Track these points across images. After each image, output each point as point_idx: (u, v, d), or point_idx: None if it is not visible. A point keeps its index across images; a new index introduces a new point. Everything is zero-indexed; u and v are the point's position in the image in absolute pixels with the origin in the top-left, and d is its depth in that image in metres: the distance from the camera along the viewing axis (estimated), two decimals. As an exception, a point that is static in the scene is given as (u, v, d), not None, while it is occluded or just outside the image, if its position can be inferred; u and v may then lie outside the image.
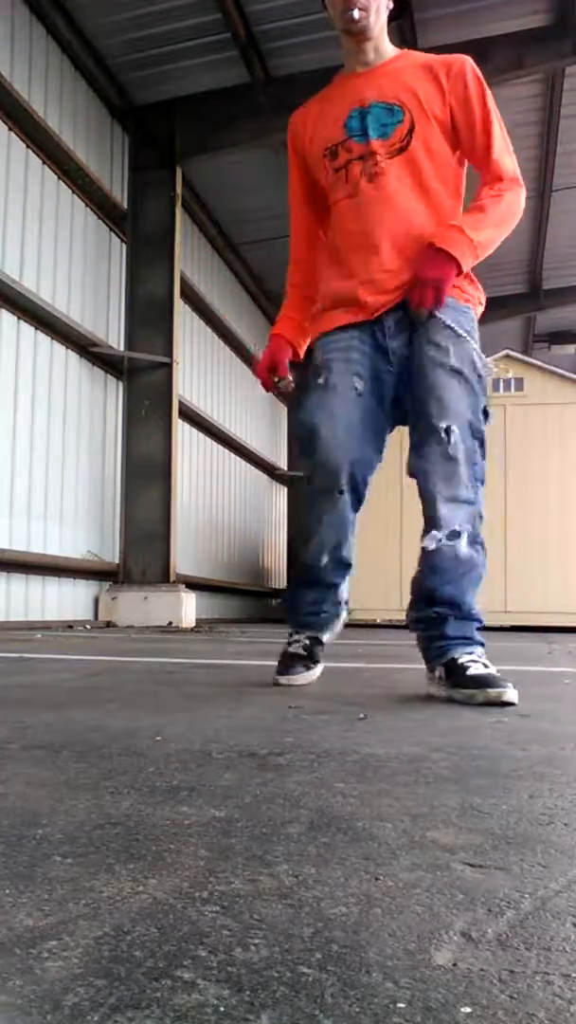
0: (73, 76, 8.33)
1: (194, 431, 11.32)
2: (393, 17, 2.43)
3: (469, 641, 2.20)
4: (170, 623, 8.45)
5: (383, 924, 0.65)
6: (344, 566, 2.47)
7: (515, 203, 2.30)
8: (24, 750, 1.36)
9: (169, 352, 9.02)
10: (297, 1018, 0.50)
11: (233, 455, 13.12)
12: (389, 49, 2.43)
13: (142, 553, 8.84)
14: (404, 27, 8.00)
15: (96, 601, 8.70)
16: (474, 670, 2.11)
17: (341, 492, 2.35)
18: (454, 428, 2.21)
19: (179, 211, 9.28)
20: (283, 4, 7.91)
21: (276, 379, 2.50)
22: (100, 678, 2.75)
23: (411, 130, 2.31)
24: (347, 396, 2.32)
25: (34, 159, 7.70)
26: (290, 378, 2.49)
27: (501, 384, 11.14)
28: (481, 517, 2.26)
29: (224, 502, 12.78)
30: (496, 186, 2.27)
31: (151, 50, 8.42)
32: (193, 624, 8.87)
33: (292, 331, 2.54)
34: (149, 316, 9.05)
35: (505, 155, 2.31)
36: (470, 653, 2.16)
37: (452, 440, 2.20)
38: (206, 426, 11.68)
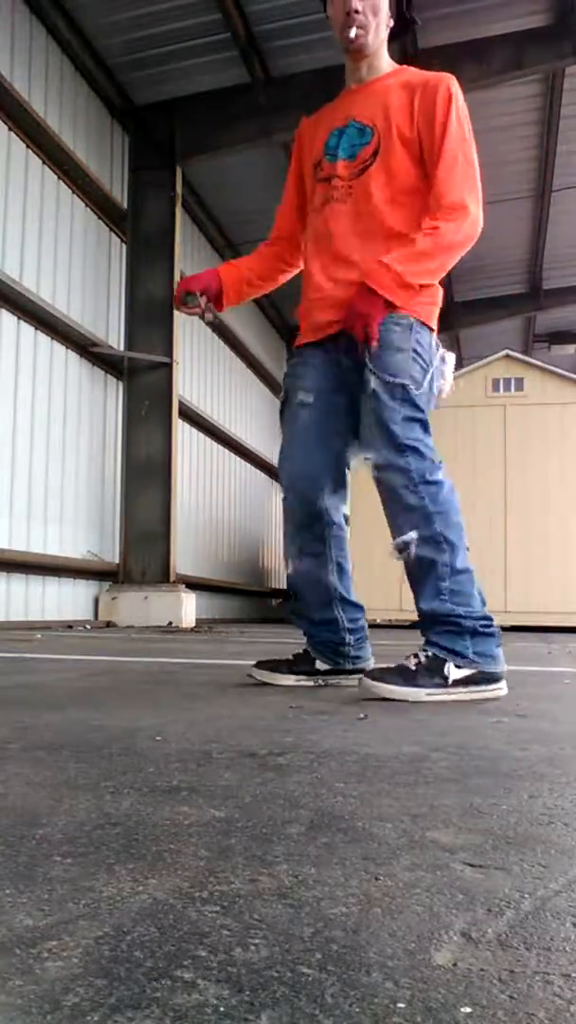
0: (73, 76, 8.33)
1: (194, 431, 11.32)
2: (394, 35, 2.44)
3: (430, 644, 2.21)
4: (170, 623, 8.45)
5: (383, 924, 0.65)
6: (316, 591, 2.47)
7: (453, 233, 2.23)
8: (24, 750, 1.36)
9: (169, 352, 9.02)
10: (297, 1018, 0.50)
11: (233, 455, 13.12)
12: (384, 65, 2.44)
13: (142, 553, 8.84)
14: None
15: (96, 601, 8.70)
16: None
17: (285, 497, 2.50)
18: (373, 459, 2.29)
19: (179, 211, 9.28)
20: (283, 4, 7.91)
21: (184, 293, 2.48)
22: (100, 678, 2.75)
23: (376, 151, 2.32)
24: (296, 411, 2.43)
25: (34, 159, 7.70)
26: (201, 301, 2.47)
27: (501, 384, 11.14)
28: (432, 515, 2.23)
29: (224, 502, 12.78)
30: (436, 215, 2.24)
31: (151, 50, 8.42)
32: (193, 624, 8.87)
33: (226, 273, 2.55)
34: (149, 316, 9.05)
35: (451, 179, 2.25)
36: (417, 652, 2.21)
37: (374, 474, 2.30)
38: (206, 426, 11.68)
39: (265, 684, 2.44)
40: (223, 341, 12.51)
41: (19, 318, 7.42)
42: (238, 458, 13.37)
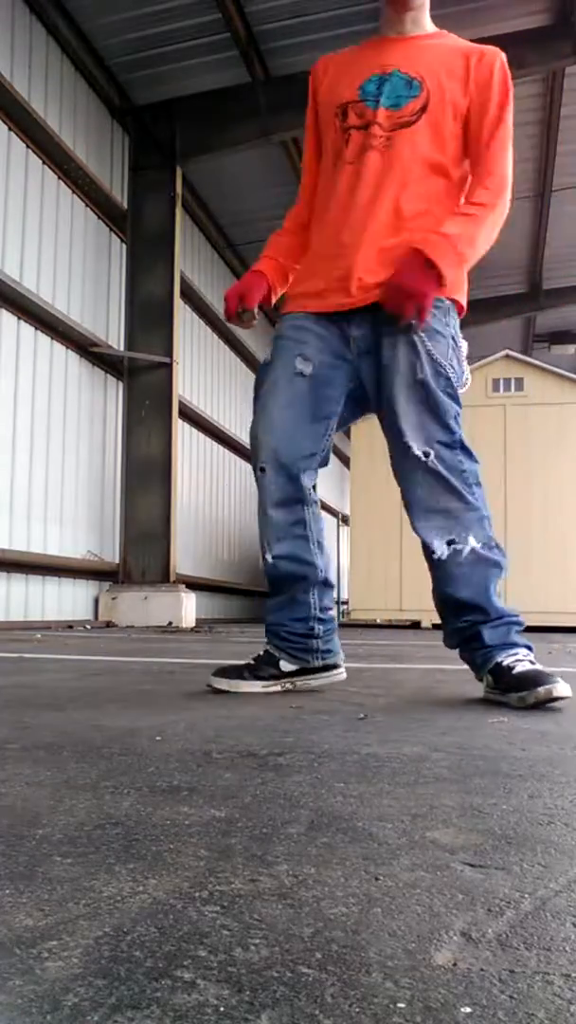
0: (73, 76, 8.33)
1: (194, 431, 11.32)
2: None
3: (511, 645, 2.12)
4: (170, 623, 8.45)
5: (383, 924, 0.65)
6: (300, 575, 2.26)
7: (502, 211, 2.18)
8: (24, 750, 1.36)
9: (169, 352, 9.02)
10: (297, 1018, 0.50)
11: (233, 455, 13.12)
12: (428, 25, 2.33)
13: (142, 553, 8.84)
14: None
15: (96, 601, 8.70)
16: (520, 668, 2.03)
17: (262, 470, 2.23)
18: (430, 451, 2.14)
19: (179, 211, 9.28)
20: (283, 4, 7.91)
21: (241, 310, 2.31)
22: (100, 678, 2.75)
23: (424, 107, 2.17)
24: (286, 375, 2.21)
25: (34, 159, 7.70)
26: (255, 313, 2.33)
27: (501, 384, 11.13)
28: (485, 519, 2.19)
29: (224, 502, 12.78)
30: (487, 185, 2.13)
31: (151, 50, 8.42)
32: (193, 624, 8.87)
33: (273, 272, 2.37)
34: (149, 316, 9.05)
35: (502, 159, 2.17)
36: (514, 655, 2.08)
37: (430, 463, 2.14)
38: (206, 426, 11.69)
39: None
40: (223, 341, 12.51)
41: (19, 318, 7.42)
42: (238, 458, 13.37)
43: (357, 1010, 0.51)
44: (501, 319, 14.62)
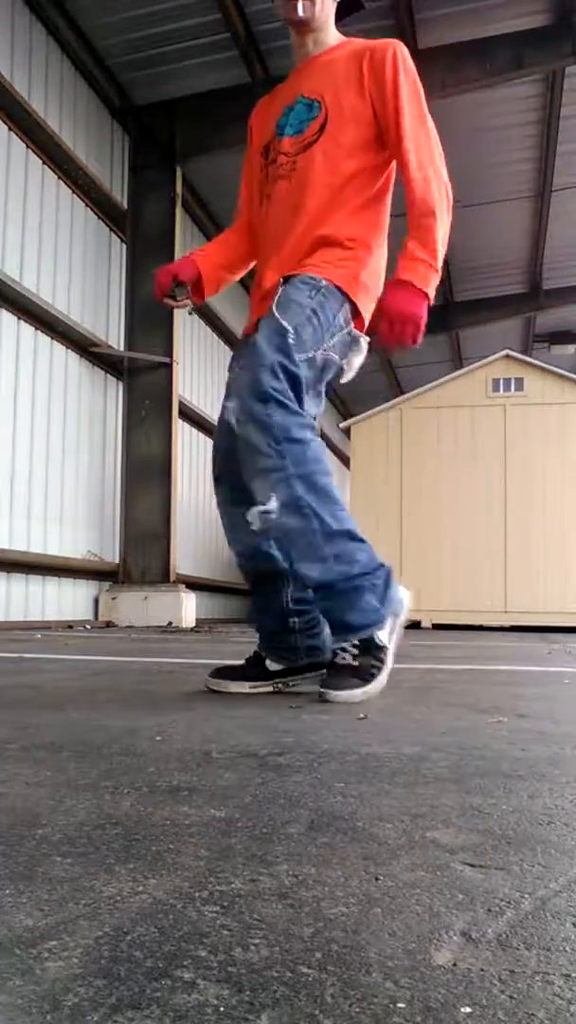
0: (73, 76, 8.33)
1: (194, 431, 11.32)
2: (341, 14, 2.34)
3: (345, 628, 2.08)
4: (170, 623, 8.45)
5: (383, 924, 0.65)
6: (263, 571, 2.24)
7: (447, 198, 2.15)
8: (24, 750, 1.36)
9: (169, 352, 9.02)
10: (297, 1018, 0.50)
11: (233, 455, 13.11)
12: (331, 38, 2.33)
13: (142, 553, 8.84)
14: (404, 27, 8.00)
15: (96, 601, 8.70)
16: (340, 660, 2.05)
17: (217, 479, 2.27)
18: (228, 405, 2.10)
19: (179, 211, 9.28)
20: (283, 4, 7.91)
21: (176, 284, 2.34)
22: (100, 678, 2.75)
23: (323, 125, 2.21)
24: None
25: (34, 159, 7.70)
26: (188, 291, 2.36)
27: (501, 384, 11.14)
28: (293, 479, 2.02)
29: (224, 502, 12.76)
30: (424, 192, 2.12)
31: (151, 50, 8.42)
32: (193, 624, 8.87)
33: (205, 263, 2.40)
34: (149, 316, 9.05)
35: (424, 147, 2.15)
36: (343, 645, 2.08)
37: (230, 420, 2.08)
38: (206, 426, 11.68)
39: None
40: (223, 341, 12.51)
41: (19, 318, 7.42)
42: (238, 458, 13.36)
43: (357, 1010, 0.51)
44: (501, 319, 14.63)
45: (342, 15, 2.36)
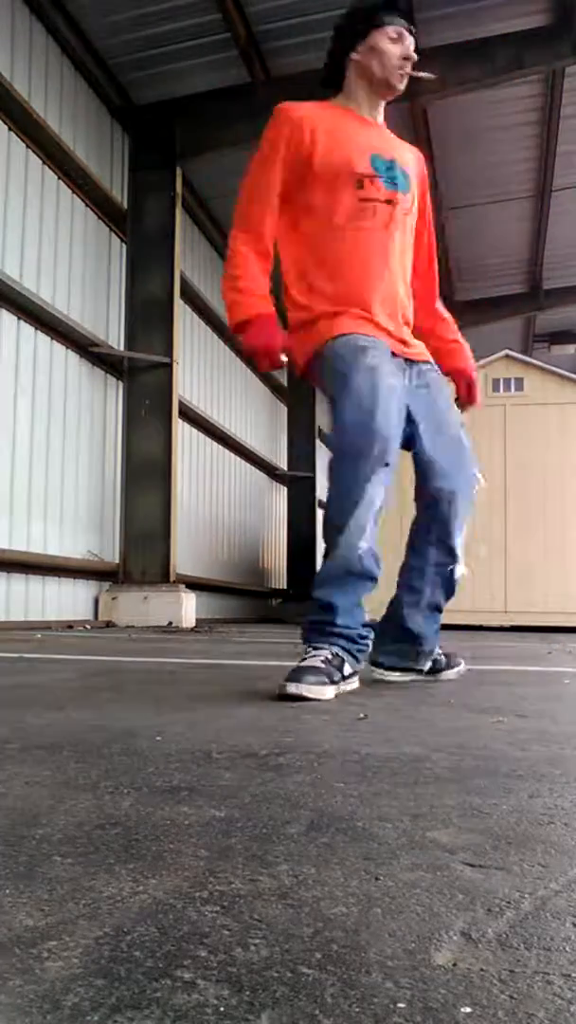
0: (73, 76, 8.33)
1: (194, 431, 11.32)
2: (328, 84, 2.60)
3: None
4: (170, 623, 8.45)
5: (383, 924, 0.65)
6: (371, 575, 2.36)
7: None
8: (24, 750, 1.36)
9: (169, 352, 9.02)
10: (297, 1018, 0.50)
11: (233, 455, 13.12)
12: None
13: (142, 553, 8.84)
14: (404, 27, 8.00)
15: (96, 601, 8.70)
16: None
17: (387, 464, 2.28)
18: (472, 477, 2.62)
19: (179, 211, 9.28)
20: (283, 4, 7.92)
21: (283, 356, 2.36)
22: (100, 678, 2.75)
23: (413, 200, 2.56)
24: (393, 387, 2.35)
25: (34, 159, 7.70)
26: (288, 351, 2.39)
27: (501, 384, 11.13)
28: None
29: (224, 502, 12.78)
30: (442, 309, 2.82)
31: (151, 50, 8.42)
32: (193, 624, 8.87)
33: (273, 308, 2.38)
34: (149, 316, 9.05)
35: (435, 256, 2.79)
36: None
37: (467, 494, 2.62)
38: (206, 426, 11.69)
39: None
40: (223, 341, 12.51)
41: (19, 318, 7.42)
42: (238, 458, 13.37)
43: (357, 1010, 0.51)
44: (501, 319, 14.63)
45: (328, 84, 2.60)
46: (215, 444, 12.29)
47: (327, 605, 2.30)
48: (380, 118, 2.57)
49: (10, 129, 7.29)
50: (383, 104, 2.55)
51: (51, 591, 7.88)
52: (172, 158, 9.14)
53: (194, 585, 9.62)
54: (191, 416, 10.87)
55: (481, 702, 2.12)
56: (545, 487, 10.73)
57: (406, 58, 2.46)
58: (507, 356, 11.29)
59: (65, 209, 8.24)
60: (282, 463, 15.62)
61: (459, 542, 2.51)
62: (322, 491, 15.60)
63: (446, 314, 2.79)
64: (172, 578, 8.81)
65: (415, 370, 2.49)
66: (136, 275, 9.17)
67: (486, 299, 14.19)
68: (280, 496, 16.05)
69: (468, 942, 0.62)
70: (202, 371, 11.63)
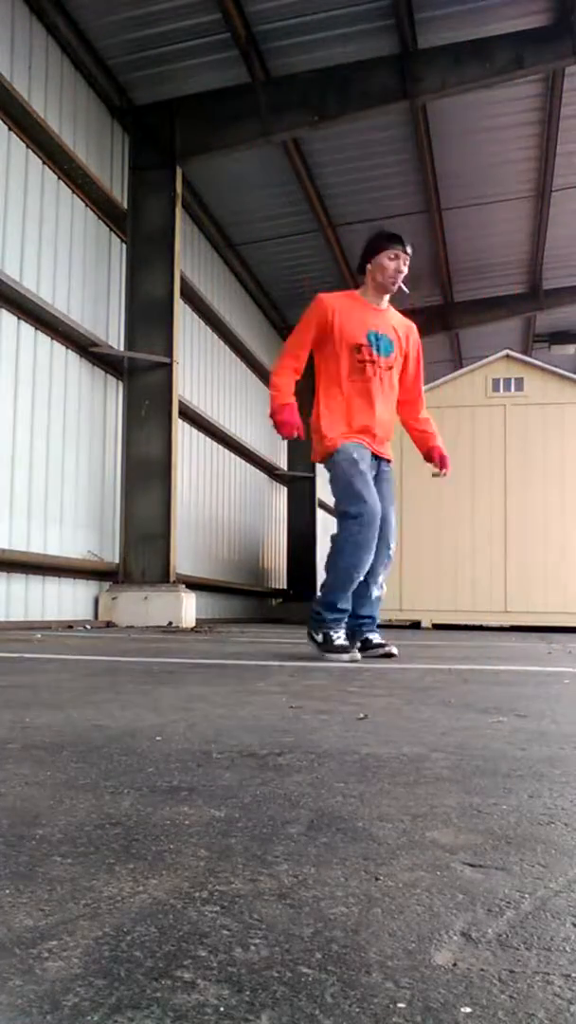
0: (73, 76, 8.33)
1: (194, 431, 11.32)
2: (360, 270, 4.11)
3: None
4: (170, 623, 8.45)
5: (383, 924, 0.65)
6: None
7: None
8: (24, 750, 1.36)
9: (169, 352, 9.02)
10: (297, 1018, 0.50)
11: (233, 455, 13.12)
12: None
13: (142, 553, 8.84)
14: (404, 27, 8.01)
15: (96, 601, 8.70)
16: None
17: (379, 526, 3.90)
18: (392, 531, 4.22)
19: (179, 211, 9.27)
20: (283, 4, 7.91)
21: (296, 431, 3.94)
22: (100, 678, 2.75)
23: (395, 360, 4.03)
24: (370, 479, 3.94)
25: (34, 159, 7.70)
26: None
27: (501, 384, 11.13)
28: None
29: (224, 502, 12.78)
30: (426, 415, 4.37)
31: (151, 50, 8.41)
32: (193, 624, 8.87)
33: (295, 402, 3.95)
34: (149, 316, 9.05)
35: (422, 397, 4.35)
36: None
37: (391, 541, 4.16)
38: (206, 426, 11.68)
39: (263, 681, 2.45)
40: (223, 341, 12.51)
41: (19, 318, 7.42)
42: (238, 458, 13.37)
43: (357, 1010, 0.51)
44: (501, 319, 14.63)
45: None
46: (215, 444, 12.29)
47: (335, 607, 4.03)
48: (384, 304, 4.03)
49: (10, 129, 7.29)
50: (386, 296, 4.02)
51: (51, 591, 7.87)
52: (172, 158, 9.14)
53: (194, 585, 9.62)
54: (191, 416, 10.87)
55: (481, 702, 2.12)
56: (545, 487, 10.73)
57: (398, 272, 3.92)
58: (507, 356, 11.29)
59: (65, 209, 8.24)
60: (282, 463, 15.62)
61: (380, 579, 4.16)
62: (322, 491, 15.61)
63: (426, 414, 4.34)
64: (172, 578, 8.81)
65: (380, 464, 4.06)
66: (136, 275, 9.17)
67: (486, 299, 14.19)
68: (280, 496, 16.05)
69: (468, 942, 0.62)
70: (202, 371, 11.63)
